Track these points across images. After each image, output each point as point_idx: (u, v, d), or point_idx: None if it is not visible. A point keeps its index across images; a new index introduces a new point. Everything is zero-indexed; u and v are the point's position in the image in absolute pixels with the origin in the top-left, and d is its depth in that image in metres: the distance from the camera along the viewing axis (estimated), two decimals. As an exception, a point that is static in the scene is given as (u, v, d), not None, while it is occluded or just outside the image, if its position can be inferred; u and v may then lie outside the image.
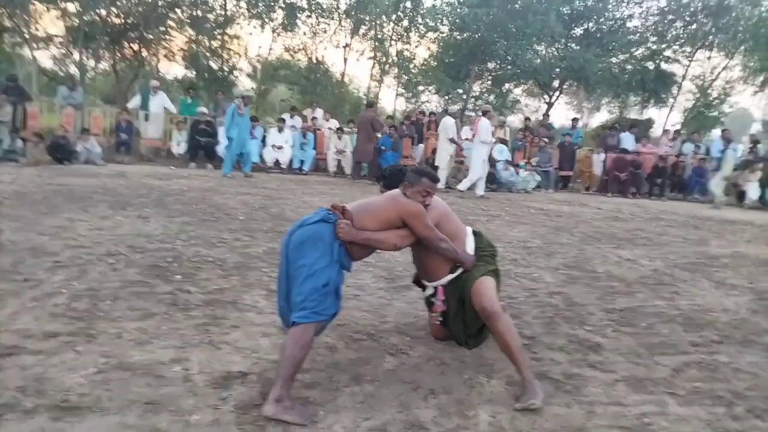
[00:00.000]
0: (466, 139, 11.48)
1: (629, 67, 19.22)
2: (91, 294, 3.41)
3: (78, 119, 11.54)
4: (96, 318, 3.06)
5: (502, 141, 13.63)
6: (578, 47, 17.92)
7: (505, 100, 20.50)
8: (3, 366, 2.44)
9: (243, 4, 17.10)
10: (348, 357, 2.84)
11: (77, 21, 15.74)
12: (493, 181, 12.05)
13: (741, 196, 12.86)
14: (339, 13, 17.53)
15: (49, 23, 16.69)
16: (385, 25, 17.75)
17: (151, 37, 17.09)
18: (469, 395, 2.53)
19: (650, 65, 19.19)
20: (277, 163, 12.19)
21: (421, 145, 13.22)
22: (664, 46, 19.11)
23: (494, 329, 2.66)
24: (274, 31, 17.48)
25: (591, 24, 19.21)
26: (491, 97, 20.06)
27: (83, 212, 5.82)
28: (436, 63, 18.29)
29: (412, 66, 18.02)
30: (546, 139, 13.59)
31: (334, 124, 13.71)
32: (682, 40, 18.98)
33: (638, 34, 19.15)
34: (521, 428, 2.27)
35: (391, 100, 19.01)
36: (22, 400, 2.19)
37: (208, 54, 17.02)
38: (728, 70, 19.70)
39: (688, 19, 18.58)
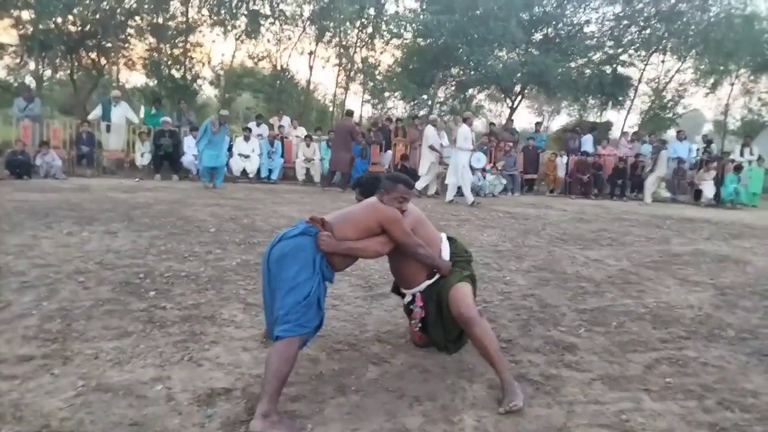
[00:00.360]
0: (445, 147, 11.57)
1: (587, 71, 19.75)
2: (63, 314, 3.34)
3: (36, 132, 11.18)
4: (70, 339, 3.00)
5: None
6: (538, 52, 18.31)
7: (469, 105, 20.78)
8: (-23, 393, 2.37)
9: (205, 12, 16.89)
10: (331, 368, 2.85)
11: (31, 29, 15.26)
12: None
13: (697, 194, 13.37)
14: (303, 20, 17.49)
15: (2, 31, 16.15)
16: (349, 32, 17.80)
17: (109, 45, 16.70)
18: (453, 401, 2.58)
19: (608, 69, 19.77)
20: (244, 172, 12.06)
21: (389, 152, 13.29)
22: (620, 50, 19.72)
23: (472, 334, 2.73)
24: (237, 39, 17.32)
25: (550, 30, 19.67)
26: (455, 102, 20.33)
27: (47, 229, 5.66)
28: (400, 69, 18.42)
29: (377, 72, 18.09)
30: (510, 144, 13.84)
31: (301, 131, 13.67)
32: (637, 45, 19.62)
33: (595, 39, 19.70)
34: (505, 430, 2.33)
35: (357, 107, 19.05)
36: (1, 428, 2.13)
37: (169, 62, 16.72)
38: (681, 73, 20.52)
39: (642, 24, 19.21)
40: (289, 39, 17.82)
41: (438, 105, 19.44)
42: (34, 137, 11.01)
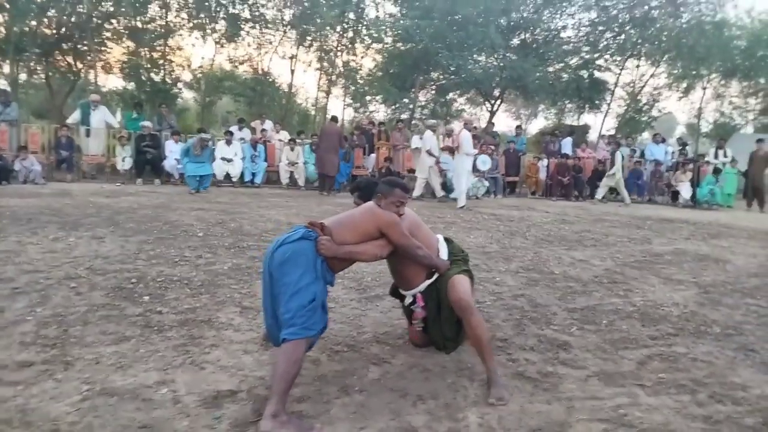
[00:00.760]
0: (444, 150, 11.64)
1: (565, 75, 20.12)
2: (59, 320, 3.31)
3: (13, 136, 10.97)
4: (69, 344, 2.98)
5: (450, 149, 14.00)
6: (516, 57, 18.57)
7: (449, 109, 20.97)
8: (-21, 400, 2.35)
9: (184, 15, 16.74)
10: (333, 369, 2.88)
11: (4, 31, 14.97)
12: (445, 188, 12.33)
13: (675, 195, 13.69)
14: (283, 24, 17.46)
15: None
16: (330, 36, 17.82)
17: (86, 48, 16.46)
18: (455, 399, 2.63)
19: (584, 74, 20.16)
20: (227, 176, 11.99)
21: (373, 155, 13.35)
22: (596, 55, 20.11)
23: (468, 322, 2.79)
24: (217, 42, 17.21)
25: (527, 35, 19.97)
26: (436, 106, 20.50)
27: (32, 234, 5.58)
28: (381, 73, 18.51)
29: (358, 77, 18.14)
30: (492, 147, 14.00)
31: (284, 135, 13.65)
32: (613, 50, 20.03)
33: (572, 45, 20.09)
34: (509, 427, 2.39)
35: (339, 111, 19.08)
36: (8, 433, 2.12)
37: (148, 66, 16.53)
38: (655, 77, 21.03)
39: (617, 30, 19.62)
40: (270, 43, 17.79)
41: (419, 109, 19.57)
42: (11, 142, 10.82)
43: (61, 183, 10.47)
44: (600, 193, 13.09)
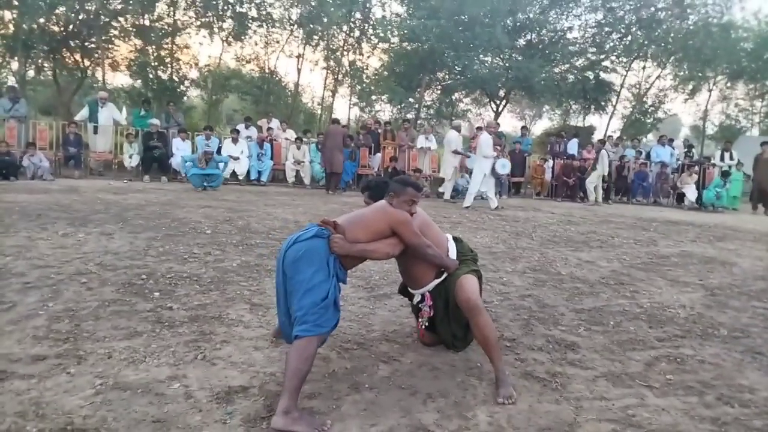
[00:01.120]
0: (471, 149, 11.66)
1: (570, 76, 20.11)
2: (71, 315, 3.34)
3: (22, 132, 11.04)
4: (81, 339, 3.01)
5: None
6: (522, 58, 18.56)
7: (454, 109, 20.97)
8: (-5, 392, 2.38)
9: (192, 13, 16.80)
10: (343, 366, 2.90)
11: (13, 28, 15.03)
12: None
13: (680, 198, 13.67)
14: (290, 24, 17.50)
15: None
16: (336, 35, 17.85)
17: (93, 45, 16.53)
18: (465, 397, 2.65)
19: (590, 75, 20.13)
20: (233, 174, 12.03)
21: (379, 155, 13.37)
22: (602, 56, 20.10)
23: (475, 322, 2.81)
24: (224, 41, 17.26)
25: (533, 35, 19.96)
26: (441, 106, 20.50)
27: (42, 230, 5.62)
28: (387, 73, 18.52)
29: (364, 76, 18.17)
30: (498, 147, 13.98)
31: (291, 134, 13.68)
32: (619, 51, 20.01)
33: (578, 45, 20.06)
34: (519, 426, 2.40)
35: (345, 110, 19.11)
36: (25, 425, 2.14)
37: (156, 63, 16.59)
38: (661, 79, 20.99)
39: (623, 31, 19.61)
40: (277, 42, 17.84)
41: (425, 108, 19.58)
42: (19, 138, 10.88)
43: (68, 179, 10.53)
44: (590, 195, 13.02)
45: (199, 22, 16.87)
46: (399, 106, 18.86)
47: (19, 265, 4.28)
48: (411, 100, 18.70)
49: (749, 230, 9.44)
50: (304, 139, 12.97)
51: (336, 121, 12.68)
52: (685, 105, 22.36)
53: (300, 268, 2.57)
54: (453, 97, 20.78)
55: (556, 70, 19.85)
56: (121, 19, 16.45)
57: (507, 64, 18.63)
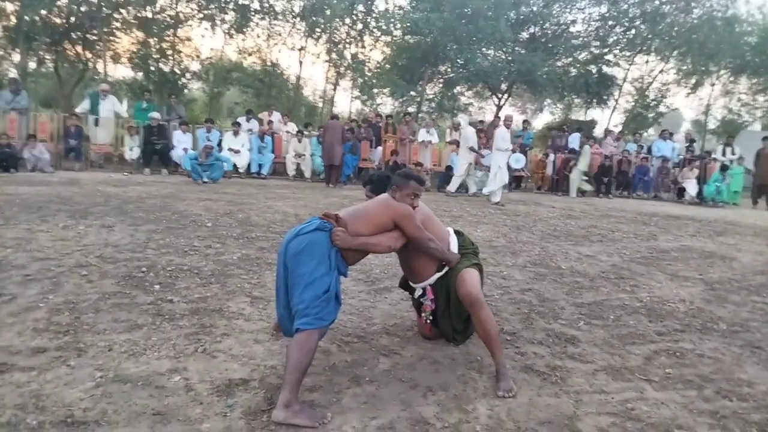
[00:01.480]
0: (485, 148, 11.64)
1: (573, 70, 19.99)
2: (71, 307, 3.34)
3: (23, 124, 11.02)
4: (81, 331, 3.01)
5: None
6: (525, 51, 18.46)
7: (456, 103, 20.90)
8: (-4, 384, 2.39)
9: (194, 5, 16.72)
10: (343, 359, 2.91)
11: (15, 20, 14.99)
12: (448, 182, 12.36)
13: (680, 192, 13.65)
14: (293, 16, 17.42)
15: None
16: (339, 28, 17.77)
17: (95, 38, 16.48)
18: (465, 391, 2.65)
19: (593, 68, 20.02)
20: (234, 167, 12.02)
21: (380, 148, 13.34)
22: (605, 50, 19.96)
23: (477, 316, 2.81)
24: (226, 33, 17.20)
25: (536, 29, 19.84)
26: (443, 100, 20.42)
27: (42, 222, 5.62)
28: (389, 66, 18.44)
29: (366, 69, 18.09)
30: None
31: (292, 127, 13.65)
32: (622, 45, 19.87)
33: (581, 39, 19.93)
34: (519, 419, 2.41)
35: (346, 103, 19.03)
36: (25, 417, 2.15)
37: (157, 56, 16.54)
38: (664, 73, 20.85)
39: (627, 25, 19.47)
40: (279, 34, 17.76)
41: (427, 102, 19.52)
42: (20, 130, 10.87)
43: (69, 172, 10.53)
44: (572, 189, 13.02)
45: (201, 15, 16.78)
46: (401, 100, 18.79)
47: (20, 258, 4.29)
48: (413, 93, 18.63)
49: (749, 225, 9.43)
50: (305, 132, 12.94)
51: (335, 117, 12.67)
52: (687, 99, 22.32)
53: (302, 261, 2.57)
54: (455, 91, 20.70)
55: (559, 63, 19.73)
56: (123, 11, 16.38)
57: (510, 58, 18.51)
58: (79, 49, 16.82)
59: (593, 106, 21.69)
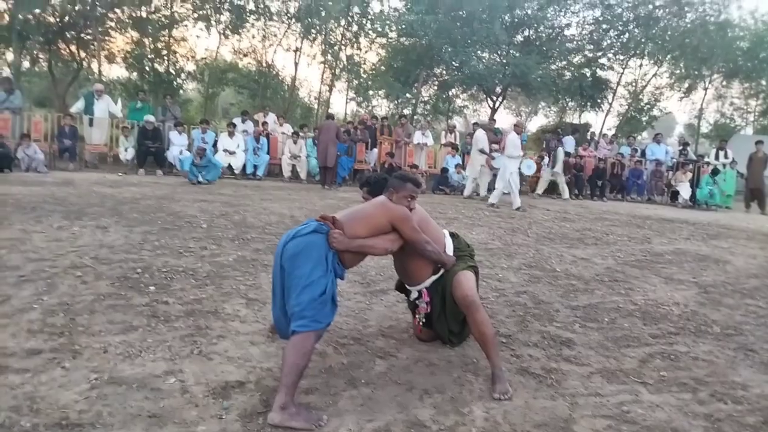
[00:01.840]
0: (496, 151, 11.62)
1: (567, 73, 20.11)
2: (66, 308, 3.33)
3: (16, 124, 10.96)
4: (76, 333, 3.00)
5: (452, 145, 14.04)
6: (519, 54, 18.55)
7: (451, 105, 20.95)
8: (-10, 386, 2.37)
9: (189, 6, 16.69)
10: (340, 362, 2.91)
11: (8, 19, 14.91)
12: (446, 184, 12.40)
13: (674, 195, 13.72)
14: (288, 17, 17.43)
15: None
16: (334, 29, 17.79)
17: (89, 37, 16.42)
18: (461, 393, 2.66)
19: (587, 72, 20.14)
20: (229, 168, 11.99)
21: (375, 150, 13.35)
22: (599, 54, 20.11)
23: (473, 319, 2.82)
24: (221, 34, 17.18)
25: (531, 32, 19.93)
26: (438, 102, 20.47)
27: (36, 223, 5.59)
28: (385, 68, 18.48)
29: (362, 71, 18.12)
30: (495, 144, 13.98)
31: (287, 128, 13.63)
32: (616, 49, 20.02)
33: (575, 42, 20.06)
34: (514, 422, 2.42)
35: (342, 105, 19.06)
36: (19, 420, 2.14)
37: (152, 56, 16.49)
38: (657, 77, 21.01)
39: (621, 29, 19.60)
40: (275, 35, 17.77)
41: (421, 104, 19.55)
42: (14, 130, 10.80)
43: (63, 172, 10.48)
44: (540, 187, 13.11)
45: (196, 15, 16.77)
46: (396, 102, 18.83)
47: (14, 258, 4.26)
48: (408, 95, 18.67)
49: (742, 228, 9.49)
50: (301, 134, 12.92)
51: (330, 117, 12.66)
52: (680, 103, 22.44)
53: (299, 264, 2.56)
54: (450, 93, 20.76)
55: (553, 66, 19.84)
56: (117, 10, 16.34)
57: (504, 61, 18.60)
58: (73, 48, 16.77)
59: (587, 109, 21.83)
